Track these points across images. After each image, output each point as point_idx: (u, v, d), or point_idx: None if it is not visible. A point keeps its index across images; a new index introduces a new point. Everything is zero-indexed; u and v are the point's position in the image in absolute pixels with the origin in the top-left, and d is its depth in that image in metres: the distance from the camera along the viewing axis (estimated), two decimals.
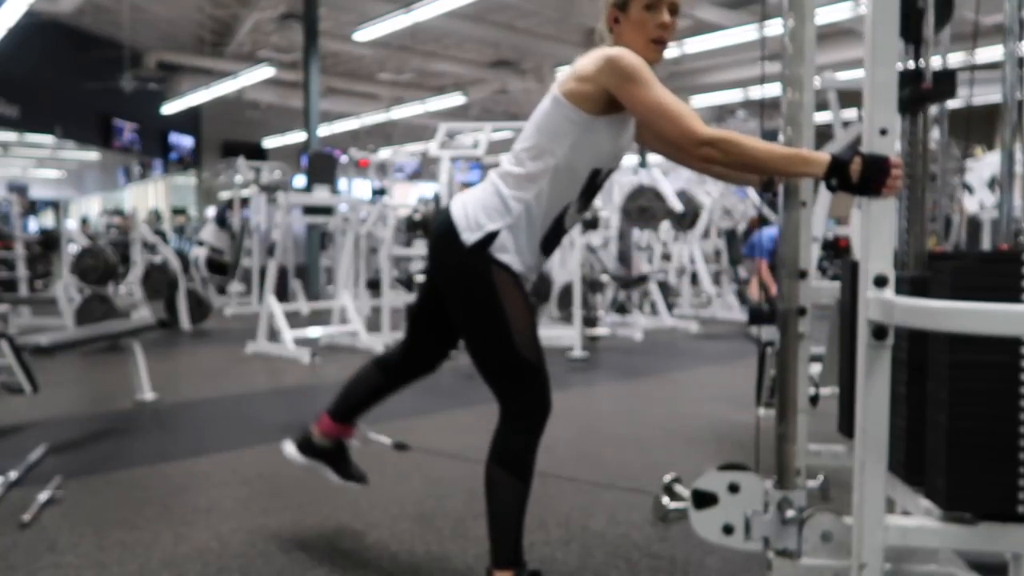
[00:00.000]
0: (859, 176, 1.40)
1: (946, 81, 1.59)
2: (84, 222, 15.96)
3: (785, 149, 1.57)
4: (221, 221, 9.49)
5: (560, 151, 1.74)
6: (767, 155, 1.54)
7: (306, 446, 2.19)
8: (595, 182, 1.83)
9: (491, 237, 1.75)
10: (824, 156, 1.48)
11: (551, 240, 1.84)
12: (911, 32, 1.59)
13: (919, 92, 1.60)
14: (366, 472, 2.25)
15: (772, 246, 7.38)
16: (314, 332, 6.23)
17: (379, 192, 8.78)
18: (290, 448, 2.20)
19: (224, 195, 11.15)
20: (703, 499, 1.70)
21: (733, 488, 1.68)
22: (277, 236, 6.66)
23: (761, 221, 8.19)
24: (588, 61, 1.71)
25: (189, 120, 16.94)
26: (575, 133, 1.73)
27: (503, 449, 1.79)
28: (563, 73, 1.79)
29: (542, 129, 1.77)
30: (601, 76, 1.67)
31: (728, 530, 1.68)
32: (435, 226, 1.87)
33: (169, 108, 15.65)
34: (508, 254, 1.76)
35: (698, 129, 1.57)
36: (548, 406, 1.81)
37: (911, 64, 1.64)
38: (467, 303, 1.81)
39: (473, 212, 1.78)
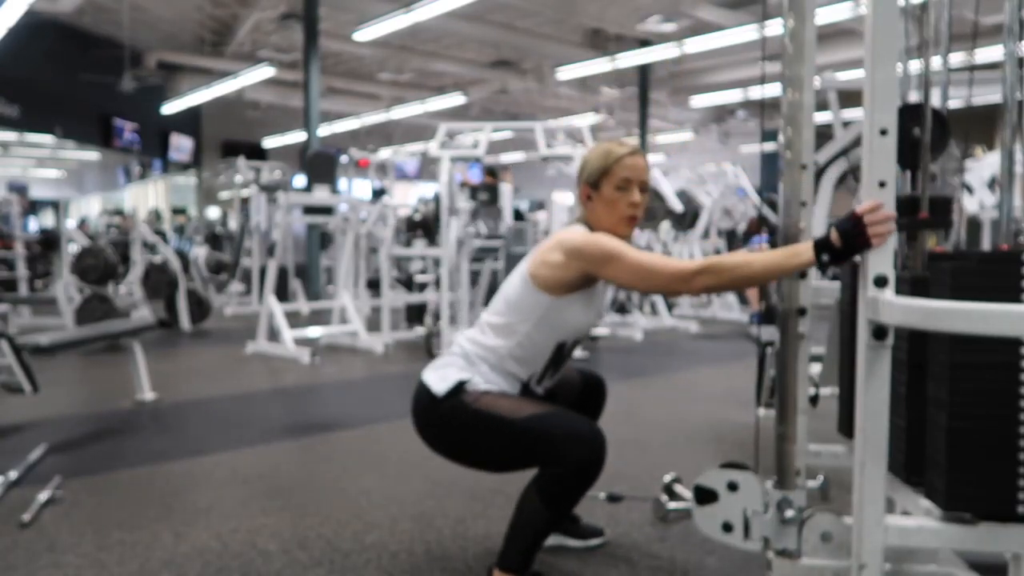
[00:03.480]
0: (841, 243, 1.41)
1: (942, 209, 1.63)
2: (83, 223, 15.95)
3: (772, 253, 1.56)
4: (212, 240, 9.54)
5: (523, 328, 1.83)
6: (758, 265, 1.55)
7: None
8: (560, 354, 1.91)
9: (462, 384, 1.83)
10: (807, 244, 1.50)
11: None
12: (908, 160, 1.62)
13: (916, 222, 1.63)
14: (601, 527, 2.27)
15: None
16: (314, 332, 6.23)
17: (379, 192, 8.78)
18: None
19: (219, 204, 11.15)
20: (704, 495, 1.70)
21: (733, 487, 1.68)
22: (277, 236, 6.65)
23: (761, 221, 8.19)
24: (558, 248, 1.80)
25: (189, 120, 16.93)
26: (539, 313, 1.82)
27: (550, 485, 1.73)
28: (535, 254, 1.87)
29: (510, 303, 1.87)
30: (576, 263, 1.76)
31: (728, 528, 1.69)
32: (413, 400, 1.92)
33: (169, 108, 15.64)
34: (481, 386, 1.83)
35: (683, 269, 1.62)
36: (594, 455, 1.70)
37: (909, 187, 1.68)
38: (455, 436, 1.86)
39: (443, 371, 1.87)
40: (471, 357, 1.88)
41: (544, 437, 1.72)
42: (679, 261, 1.66)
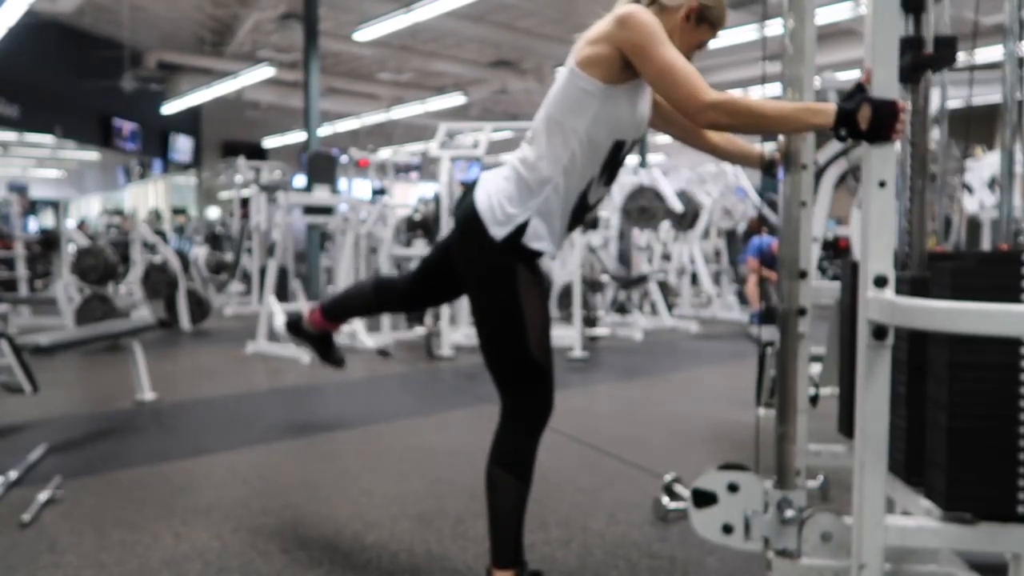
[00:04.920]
0: (868, 123, 1.38)
1: (947, 47, 1.56)
2: (82, 223, 15.94)
3: (791, 104, 1.55)
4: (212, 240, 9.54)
5: (580, 126, 1.70)
6: (774, 111, 1.51)
7: (295, 328, 2.35)
8: (618, 155, 1.79)
9: (522, 228, 1.72)
10: (831, 106, 1.45)
11: (577, 216, 1.81)
12: (910, 3, 1.58)
13: (920, 59, 1.57)
14: (344, 357, 2.40)
15: (757, 251, 7.42)
16: None
17: (379, 192, 8.78)
18: (281, 321, 2.26)
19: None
20: (703, 498, 1.70)
21: (732, 488, 1.68)
22: (277, 236, 6.65)
23: (761, 221, 8.19)
24: (602, 23, 1.70)
25: (189, 120, 16.94)
26: (594, 106, 1.69)
27: (504, 450, 1.80)
28: (578, 41, 1.76)
29: (560, 105, 1.73)
30: (615, 33, 1.65)
31: (728, 530, 1.69)
32: (459, 214, 1.82)
33: (169, 108, 15.65)
34: (541, 241, 1.74)
35: (704, 92, 1.54)
36: (550, 407, 1.81)
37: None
38: (487, 298, 1.79)
39: (499, 202, 1.74)
40: (530, 183, 1.74)
41: (528, 388, 1.77)
42: (705, 86, 1.55)
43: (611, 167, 1.80)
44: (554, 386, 1.81)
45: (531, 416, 1.79)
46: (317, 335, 2.32)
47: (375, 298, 2.18)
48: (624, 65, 1.66)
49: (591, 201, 1.82)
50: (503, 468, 1.78)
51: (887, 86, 1.36)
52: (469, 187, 1.83)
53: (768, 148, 1.91)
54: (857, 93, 1.42)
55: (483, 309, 1.80)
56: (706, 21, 1.75)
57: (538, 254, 1.76)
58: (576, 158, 1.72)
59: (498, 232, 1.72)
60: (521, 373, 1.77)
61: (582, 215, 1.83)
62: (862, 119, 1.38)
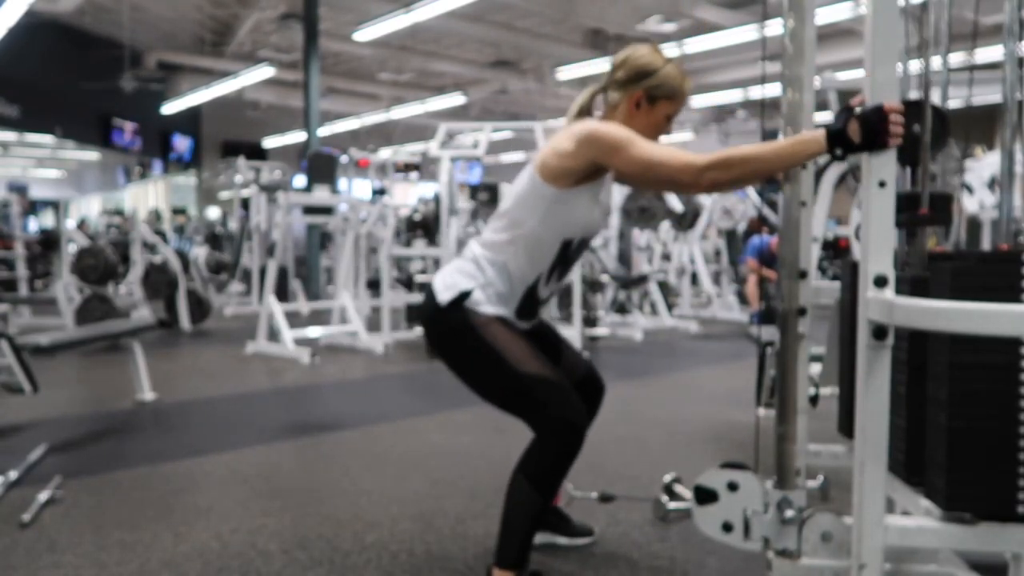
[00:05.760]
0: (860, 135, 1.38)
1: (942, 206, 1.61)
2: (82, 223, 15.94)
3: (781, 142, 1.55)
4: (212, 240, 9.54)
5: (530, 223, 1.81)
6: (767, 153, 1.53)
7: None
8: (567, 253, 1.88)
9: (466, 294, 1.81)
10: (820, 132, 1.47)
11: (525, 309, 1.89)
12: (908, 157, 1.61)
13: (916, 218, 1.62)
14: (591, 526, 2.27)
15: (757, 251, 7.43)
16: (314, 332, 6.23)
17: (379, 192, 8.78)
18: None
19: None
20: (704, 495, 1.70)
21: (732, 487, 1.68)
22: (277, 236, 6.65)
23: (761, 222, 8.20)
24: (568, 137, 1.77)
25: (189, 120, 16.94)
26: (544, 206, 1.79)
27: (531, 460, 1.78)
28: (543, 149, 1.84)
29: (517, 198, 1.84)
30: (585, 152, 1.73)
31: (728, 528, 1.69)
32: (421, 304, 1.94)
33: (169, 108, 15.64)
34: (484, 306, 1.82)
35: (692, 161, 1.59)
36: (576, 421, 1.76)
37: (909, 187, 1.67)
38: (458, 354, 1.86)
39: (449, 277, 1.86)
40: (479, 260, 1.84)
41: (540, 399, 1.76)
42: (690, 154, 1.60)
43: (562, 264, 1.90)
44: (574, 401, 1.78)
45: (560, 433, 1.75)
46: (551, 518, 2.19)
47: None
48: (588, 172, 1.76)
49: (542, 296, 1.91)
50: (527, 478, 1.78)
51: (887, 86, 1.36)
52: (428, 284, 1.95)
53: None
54: (843, 112, 1.44)
55: (461, 367, 1.87)
56: (660, 98, 1.84)
57: (500, 318, 1.82)
58: (520, 252, 1.83)
59: (444, 297, 1.82)
60: (522, 392, 1.77)
61: (535, 308, 1.92)
62: (852, 134, 1.40)
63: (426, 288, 1.91)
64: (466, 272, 1.85)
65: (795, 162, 1.55)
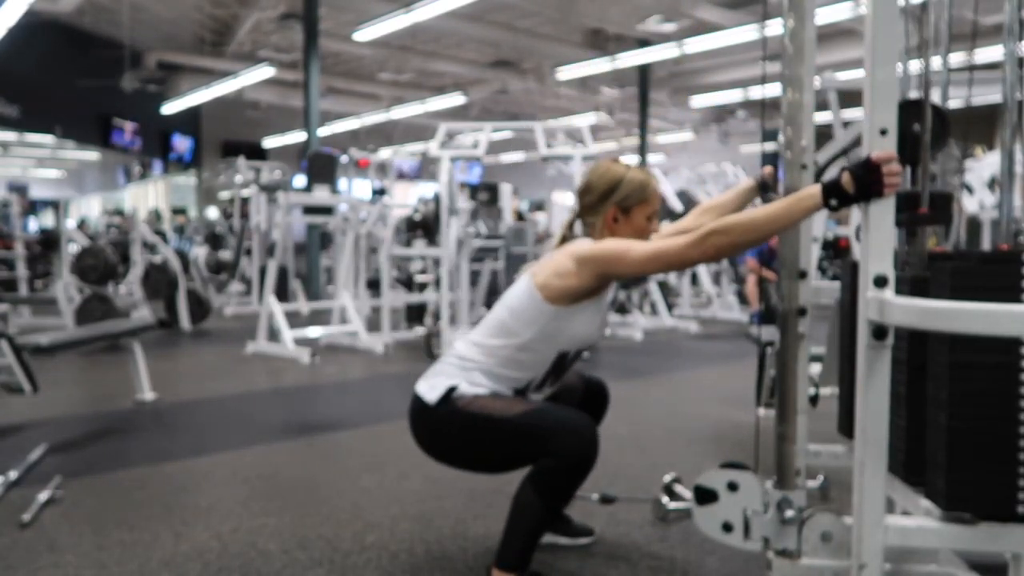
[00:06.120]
0: (854, 188, 1.40)
1: (942, 205, 1.61)
2: (82, 223, 15.95)
3: (777, 204, 1.54)
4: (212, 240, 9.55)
5: (526, 335, 1.84)
6: (764, 215, 1.54)
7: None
8: (563, 363, 1.92)
9: (452, 390, 1.83)
10: (815, 188, 1.49)
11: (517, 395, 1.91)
12: (908, 157, 1.61)
13: (916, 217, 1.62)
14: (591, 527, 2.27)
15: (755, 251, 7.42)
16: (314, 332, 6.23)
17: (379, 192, 8.79)
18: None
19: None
20: (704, 495, 1.71)
21: (732, 487, 1.68)
22: (277, 236, 6.65)
23: None
24: (567, 257, 1.81)
25: (189, 120, 16.94)
26: (543, 321, 1.83)
27: (541, 470, 1.77)
28: (540, 268, 1.87)
29: (514, 310, 1.86)
30: (588, 268, 1.77)
31: (728, 528, 1.69)
32: (409, 412, 1.93)
33: (169, 108, 15.65)
34: (471, 389, 1.83)
35: (692, 239, 1.59)
36: (585, 448, 1.74)
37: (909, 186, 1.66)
38: (452, 441, 1.87)
39: (434, 379, 1.89)
40: (464, 362, 1.88)
41: (537, 431, 1.75)
42: (683, 237, 1.62)
43: (556, 373, 1.93)
44: (574, 418, 1.78)
45: (575, 464, 1.74)
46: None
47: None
48: (590, 288, 1.80)
49: (530, 397, 1.93)
50: (534, 488, 1.77)
51: (887, 86, 1.36)
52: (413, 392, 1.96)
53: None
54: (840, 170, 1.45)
55: (461, 452, 1.89)
56: (632, 207, 1.89)
57: (486, 393, 1.84)
58: (511, 358, 1.85)
59: (431, 396, 1.84)
60: (523, 432, 1.77)
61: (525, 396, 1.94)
62: (846, 186, 1.41)
63: (412, 397, 1.91)
64: (449, 373, 1.88)
65: (792, 221, 1.55)
